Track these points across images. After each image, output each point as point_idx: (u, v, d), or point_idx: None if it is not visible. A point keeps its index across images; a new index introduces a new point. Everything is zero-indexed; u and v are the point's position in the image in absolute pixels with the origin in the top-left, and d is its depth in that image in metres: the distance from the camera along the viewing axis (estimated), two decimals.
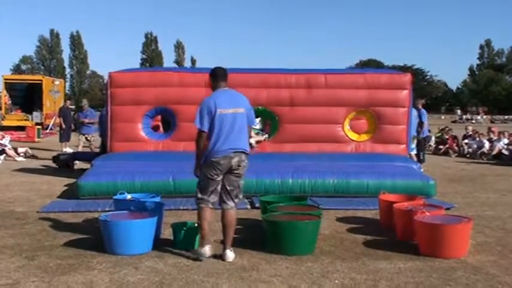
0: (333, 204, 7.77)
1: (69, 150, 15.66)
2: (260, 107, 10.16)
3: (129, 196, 6.56)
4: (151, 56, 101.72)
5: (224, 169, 5.08)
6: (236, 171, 5.14)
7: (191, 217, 6.34)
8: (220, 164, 5.05)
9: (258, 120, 12.13)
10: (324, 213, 6.15)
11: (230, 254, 5.08)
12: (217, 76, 5.31)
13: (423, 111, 12.74)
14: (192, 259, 5.10)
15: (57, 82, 26.35)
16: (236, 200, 5.23)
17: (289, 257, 5.19)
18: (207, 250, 5.08)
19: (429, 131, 20.47)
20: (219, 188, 5.16)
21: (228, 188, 5.16)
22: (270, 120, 10.32)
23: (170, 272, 4.77)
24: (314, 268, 4.90)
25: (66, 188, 9.54)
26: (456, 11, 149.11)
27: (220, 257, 5.10)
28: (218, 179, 5.11)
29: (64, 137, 16.77)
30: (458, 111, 74.28)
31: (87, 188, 8.25)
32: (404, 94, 10.13)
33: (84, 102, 15.18)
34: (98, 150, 13.17)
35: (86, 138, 15.00)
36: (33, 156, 14.86)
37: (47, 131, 23.93)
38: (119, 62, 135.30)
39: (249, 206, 7.84)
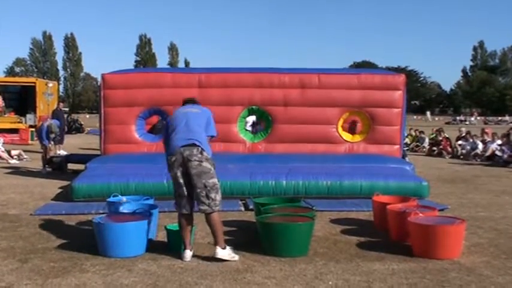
0: (327, 206, 7.77)
1: (62, 152, 15.62)
2: (254, 107, 10.17)
3: (123, 198, 6.55)
4: (145, 58, 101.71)
5: (179, 165, 5.12)
6: (193, 167, 5.07)
7: None
8: (173, 161, 5.16)
9: (252, 118, 12.11)
10: (317, 214, 6.15)
11: (218, 251, 5.07)
12: (183, 102, 5.67)
13: None
14: (186, 261, 5.10)
15: (50, 84, 26.13)
16: (208, 201, 5.08)
17: (283, 258, 5.19)
18: (185, 254, 5.18)
19: (421, 132, 20.69)
20: (185, 191, 5.18)
21: (196, 189, 5.13)
22: (263, 120, 10.31)
23: (164, 274, 4.77)
24: (308, 270, 4.91)
25: (59, 190, 9.50)
26: (449, 13, 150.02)
27: (214, 258, 5.10)
28: (180, 180, 5.15)
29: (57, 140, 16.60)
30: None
31: (81, 190, 8.23)
32: (398, 95, 10.15)
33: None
34: (53, 154, 12.99)
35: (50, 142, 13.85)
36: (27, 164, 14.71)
37: None
38: (113, 64, 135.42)
39: (242, 208, 7.84)
